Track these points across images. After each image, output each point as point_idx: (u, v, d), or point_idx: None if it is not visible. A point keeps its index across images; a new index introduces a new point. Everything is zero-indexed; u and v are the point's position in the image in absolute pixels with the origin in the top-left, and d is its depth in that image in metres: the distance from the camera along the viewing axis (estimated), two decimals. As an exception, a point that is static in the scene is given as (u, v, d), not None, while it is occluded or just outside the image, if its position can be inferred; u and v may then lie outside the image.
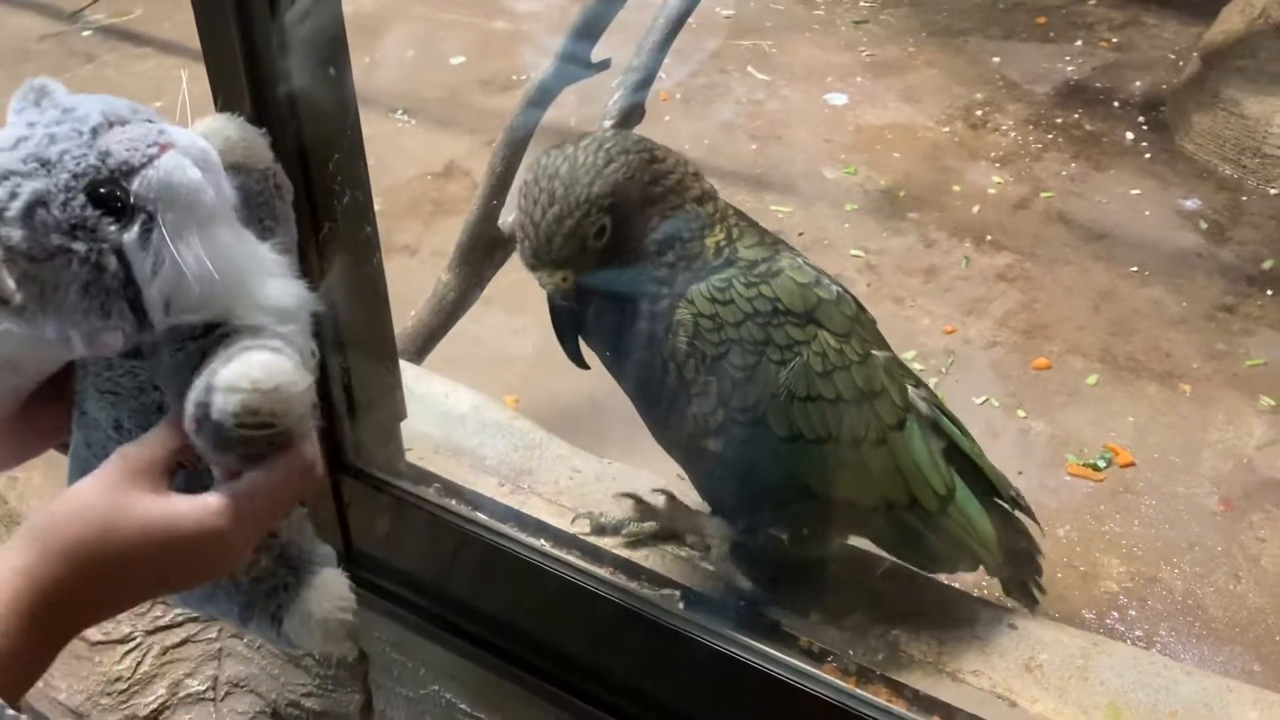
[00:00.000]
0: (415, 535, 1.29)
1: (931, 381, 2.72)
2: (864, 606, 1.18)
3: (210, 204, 0.78)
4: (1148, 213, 3.57)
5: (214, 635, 1.43)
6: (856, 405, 1.02)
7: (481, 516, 1.24)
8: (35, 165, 0.73)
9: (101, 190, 0.73)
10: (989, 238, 3.43)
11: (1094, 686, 1.10)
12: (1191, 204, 3.61)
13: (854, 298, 1.08)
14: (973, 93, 4.33)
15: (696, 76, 4.44)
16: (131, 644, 1.39)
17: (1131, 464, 2.48)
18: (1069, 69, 4.48)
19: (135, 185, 0.74)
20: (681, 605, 1.14)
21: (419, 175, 3.71)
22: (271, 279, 0.83)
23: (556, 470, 1.39)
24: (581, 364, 1.05)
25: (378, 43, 4.20)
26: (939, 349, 2.86)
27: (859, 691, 1.04)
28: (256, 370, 0.73)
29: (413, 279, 2.76)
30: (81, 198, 0.73)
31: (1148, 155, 3.90)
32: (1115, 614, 2.15)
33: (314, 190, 1.08)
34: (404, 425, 1.36)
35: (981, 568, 1.15)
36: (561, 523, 1.27)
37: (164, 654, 1.41)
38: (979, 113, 4.20)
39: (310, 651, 0.81)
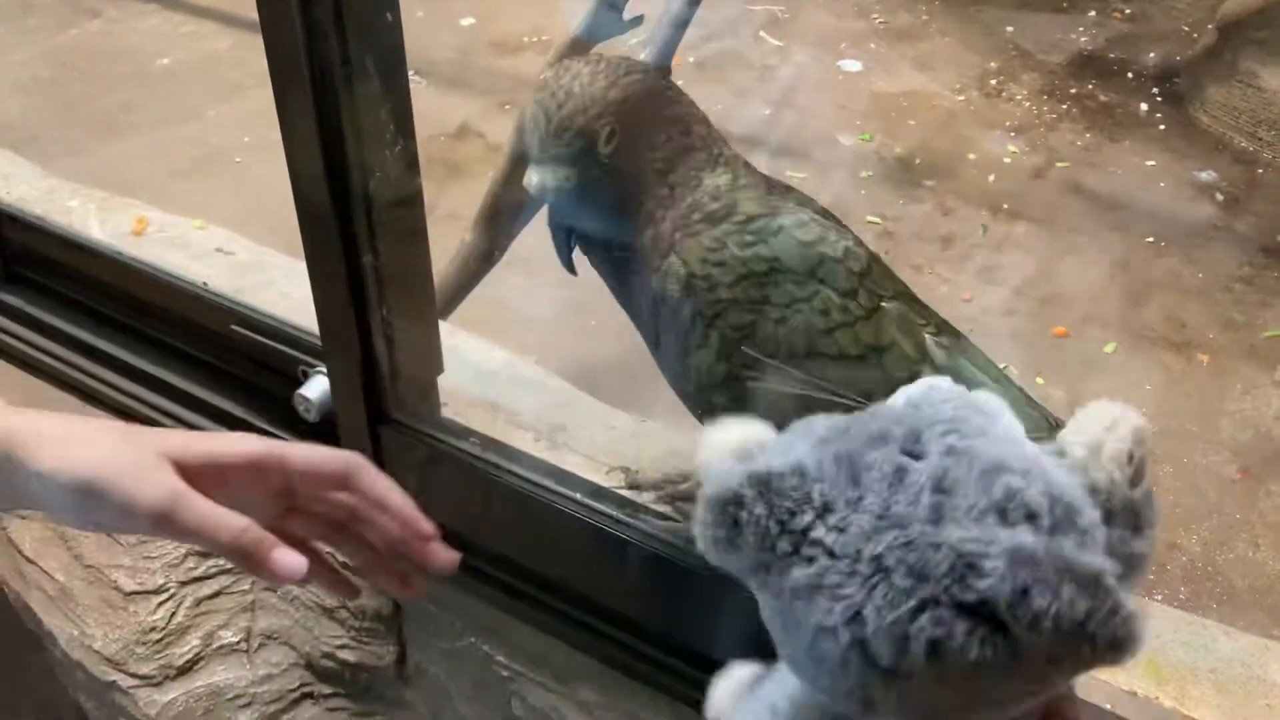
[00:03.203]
0: (453, 487, 1.29)
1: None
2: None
3: None
4: (1163, 184, 3.56)
5: (247, 587, 1.44)
6: (862, 361, 0.99)
7: (519, 469, 1.23)
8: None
9: None
10: (1005, 206, 3.42)
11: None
12: (1207, 176, 3.59)
13: (867, 250, 1.05)
14: (987, 62, 4.31)
15: (709, 41, 4.41)
16: (165, 595, 1.39)
17: (1150, 432, 2.48)
18: (1082, 40, 4.46)
19: None
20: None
21: (432, 137, 3.69)
22: None
23: (592, 427, 1.39)
24: (571, 270, 1.05)
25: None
26: (957, 317, 2.82)
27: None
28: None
29: (430, 240, 2.75)
30: None
31: (1162, 127, 3.88)
32: (1136, 578, 2.16)
33: (363, 138, 1.07)
34: (440, 381, 1.36)
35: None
36: (599, 477, 1.27)
37: (197, 605, 1.41)
38: (993, 82, 4.18)
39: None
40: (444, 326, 1.60)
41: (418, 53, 4.27)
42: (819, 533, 0.62)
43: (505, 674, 1.29)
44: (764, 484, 0.63)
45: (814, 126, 3.93)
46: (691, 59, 4.27)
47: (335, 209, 1.10)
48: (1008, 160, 3.68)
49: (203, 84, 4.24)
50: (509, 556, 1.27)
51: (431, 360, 1.32)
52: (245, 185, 3.48)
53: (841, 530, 0.62)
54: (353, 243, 1.13)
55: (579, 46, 1.95)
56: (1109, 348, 2.81)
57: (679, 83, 1.13)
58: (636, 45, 2.18)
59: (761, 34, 4.54)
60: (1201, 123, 3.87)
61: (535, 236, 2.79)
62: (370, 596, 1.38)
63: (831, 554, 0.62)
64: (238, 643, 1.42)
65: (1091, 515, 0.63)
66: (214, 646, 1.41)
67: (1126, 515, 0.65)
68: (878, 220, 3.38)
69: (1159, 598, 2.11)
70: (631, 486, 1.26)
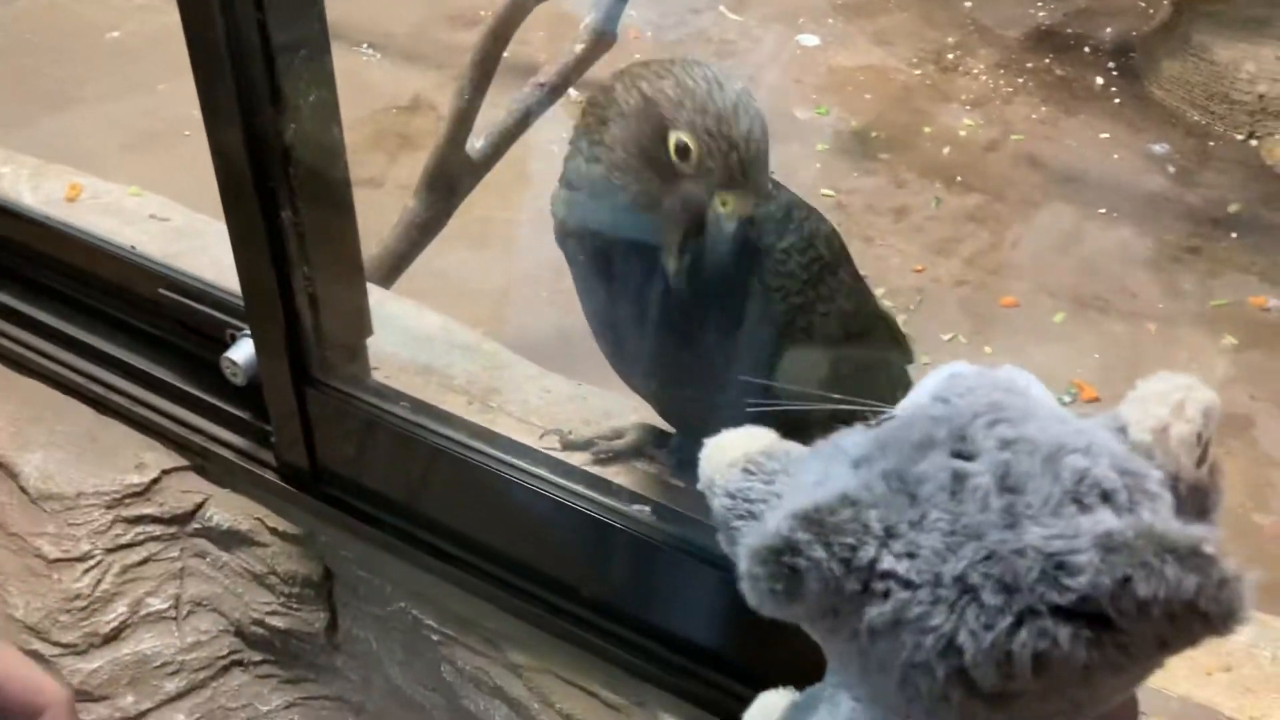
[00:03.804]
0: (382, 452, 1.28)
1: (901, 319, 2.72)
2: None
3: None
4: (1116, 156, 3.58)
5: (176, 554, 1.42)
6: (871, 304, 1.10)
7: (450, 432, 1.22)
8: None
9: None
10: (959, 179, 3.43)
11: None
12: (1160, 148, 3.62)
13: None
14: (944, 36, 4.31)
15: (667, 15, 4.39)
16: (91, 561, 1.37)
17: (1096, 399, 2.49)
18: (1040, 14, 4.46)
19: None
20: (654, 519, 1.13)
21: (384, 109, 3.65)
22: None
23: (526, 390, 1.38)
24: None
25: (342, -25, 4.11)
26: (908, 287, 2.86)
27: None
28: None
29: (377, 211, 2.73)
30: None
31: (1117, 100, 3.90)
32: (1079, 543, 2.17)
33: (280, 90, 1.05)
34: (371, 345, 1.34)
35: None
36: (533, 440, 1.25)
37: (124, 572, 1.39)
38: (950, 56, 4.18)
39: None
40: (378, 292, 1.58)
41: (373, 25, 4.23)
42: (888, 563, 0.57)
43: (436, 638, 1.28)
44: (816, 523, 0.57)
45: (771, 100, 3.91)
46: (649, 33, 4.24)
47: (251, 162, 1.08)
48: (963, 133, 3.69)
49: (153, 57, 4.18)
50: (440, 520, 1.26)
51: (359, 322, 1.30)
52: (194, 158, 3.42)
53: (912, 556, 0.57)
54: (271, 198, 1.11)
55: (520, 6, 1.93)
56: (1058, 317, 2.82)
57: (636, 57, 1.12)
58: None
59: (720, 8, 4.51)
60: (1155, 96, 3.89)
61: (482, 208, 2.77)
62: (300, 562, 1.37)
63: (908, 584, 0.57)
64: (166, 610, 1.40)
65: (1155, 474, 0.59)
66: (141, 614, 1.39)
67: (1195, 497, 0.62)
68: (832, 193, 3.37)
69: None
70: (566, 448, 1.25)
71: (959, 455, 0.59)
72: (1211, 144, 3.63)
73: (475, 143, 2.16)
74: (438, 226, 2.21)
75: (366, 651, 1.38)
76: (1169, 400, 0.62)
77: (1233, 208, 3.30)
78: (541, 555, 1.19)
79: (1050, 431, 0.59)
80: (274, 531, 1.37)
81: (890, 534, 0.57)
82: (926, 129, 3.72)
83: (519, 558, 1.21)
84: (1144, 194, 3.39)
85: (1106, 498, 0.56)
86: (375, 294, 1.54)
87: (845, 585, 0.57)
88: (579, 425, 1.32)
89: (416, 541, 1.27)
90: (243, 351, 1.32)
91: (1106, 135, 3.69)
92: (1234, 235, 3.17)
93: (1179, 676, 1.03)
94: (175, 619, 1.41)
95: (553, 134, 3.52)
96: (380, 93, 3.75)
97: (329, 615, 1.38)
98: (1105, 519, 0.55)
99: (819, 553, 0.56)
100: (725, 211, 0.92)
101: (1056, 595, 0.53)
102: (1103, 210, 3.28)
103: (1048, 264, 3.06)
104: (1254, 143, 3.62)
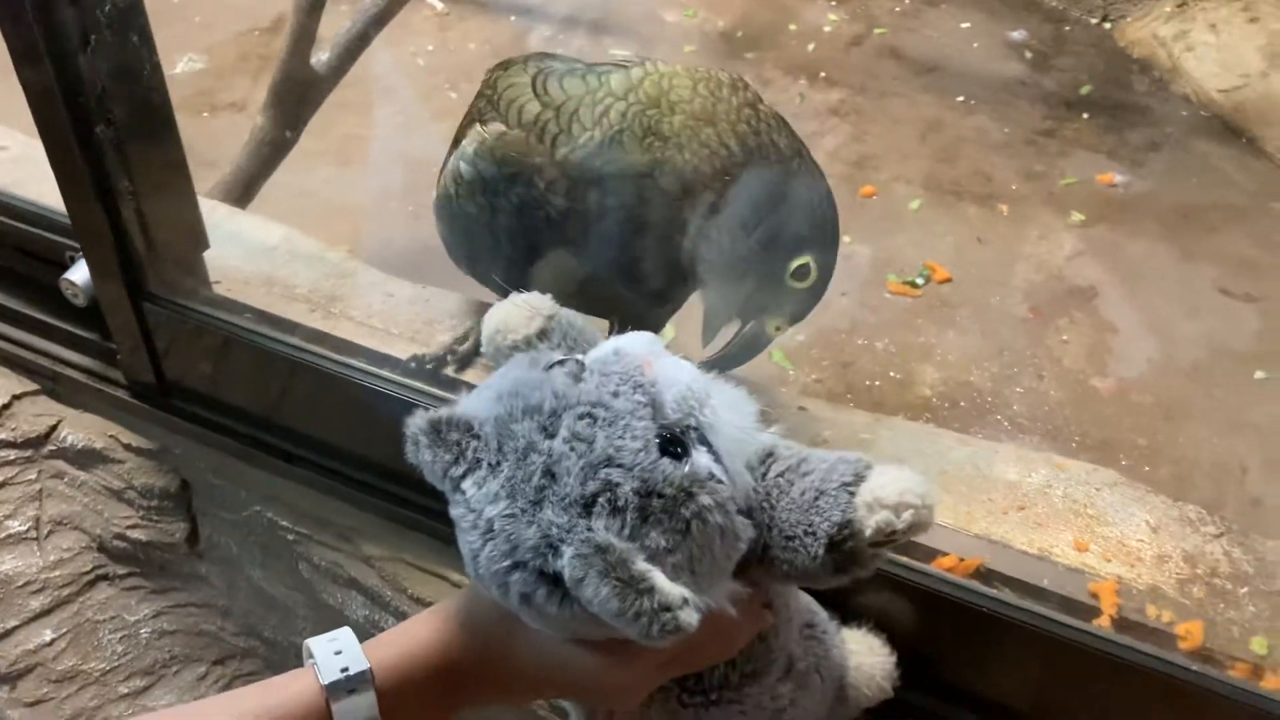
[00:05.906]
0: (227, 362, 1.30)
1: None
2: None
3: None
4: (976, 45, 3.65)
5: (34, 477, 1.43)
6: None
7: (292, 339, 1.25)
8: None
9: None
10: (823, 75, 3.47)
11: (873, 455, 1.18)
12: (1018, 35, 3.69)
13: None
14: (810, -68, 4.32)
15: (533, -80, 4.32)
16: (-55, 489, 1.38)
17: (949, 280, 2.58)
18: (904, -96, 4.49)
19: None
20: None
21: (246, 31, 3.57)
22: None
23: (369, 295, 1.40)
24: None
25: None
26: (770, 183, 2.89)
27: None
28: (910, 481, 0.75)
29: (241, 135, 2.69)
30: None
31: (979, -11, 3.96)
32: (928, 414, 2.27)
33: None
34: (213, 260, 1.35)
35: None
36: (373, 342, 1.28)
37: (-19, 498, 1.40)
38: (816, -48, 4.19)
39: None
40: (222, 209, 1.59)
41: (232, -55, 4.09)
42: (465, 484, 0.71)
43: (292, 538, 1.32)
44: (436, 432, 0.72)
45: (638, 3, 3.90)
46: (517, -61, 4.18)
47: (57, 74, 1.08)
48: (828, 29, 3.72)
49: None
50: (289, 425, 1.29)
51: (194, 235, 1.31)
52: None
53: (479, 487, 0.71)
54: (82, 112, 1.11)
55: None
56: (914, 204, 2.90)
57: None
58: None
59: (587, -88, 4.46)
60: (1015, -17, 3.96)
61: (345, 126, 2.74)
62: (157, 475, 1.39)
63: (469, 505, 0.71)
64: (26, 531, 1.42)
65: (720, 494, 0.71)
66: (1, 536, 1.41)
67: (845, 558, 0.75)
68: (698, 94, 3.39)
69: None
70: (425, 366, 1.28)
71: (544, 430, 0.71)
72: (1067, 28, 3.72)
73: (320, 55, 2.14)
74: (288, 144, 2.19)
75: (228, 557, 1.41)
76: (907, 496, 0.74)
77: (1085, 89, 3.40)
78: (388, 451, 1.22)
79: (613, 444, 0.70)
80: (128, 448, 1.39)
81: (476, 465, 0.71)
82: (792, 26, 3.75)
83: (366, 455, 1.25)
84: (1002, 80, 3.47)
85: (615, 512, 0.68)
86: (219, 210, 1.55)
87: (442, 483, 0.73)
88: (423, 328, 1.35)
89: (268, 447, 1.30)
90: (81, 272, 1.32)
91: (967, 25, 3.75)
92: (1085, 116, 3.28)
93: (977, 515, 1.12)
94: (36, 539, 1.43)
95: (416, 46, 3.48)
96: (241, 15, 3.65)
97: (189, 525, 1.41)
98: (598, 530, 0.68)
99: (426, 455, 0.72)
100: (773, 335, 1.02)
101: (542, 564, 0.68)
102: (961, 98, 3.36)
103: (907, 153, 3.13)
104: (1107, 25, 3.72)
